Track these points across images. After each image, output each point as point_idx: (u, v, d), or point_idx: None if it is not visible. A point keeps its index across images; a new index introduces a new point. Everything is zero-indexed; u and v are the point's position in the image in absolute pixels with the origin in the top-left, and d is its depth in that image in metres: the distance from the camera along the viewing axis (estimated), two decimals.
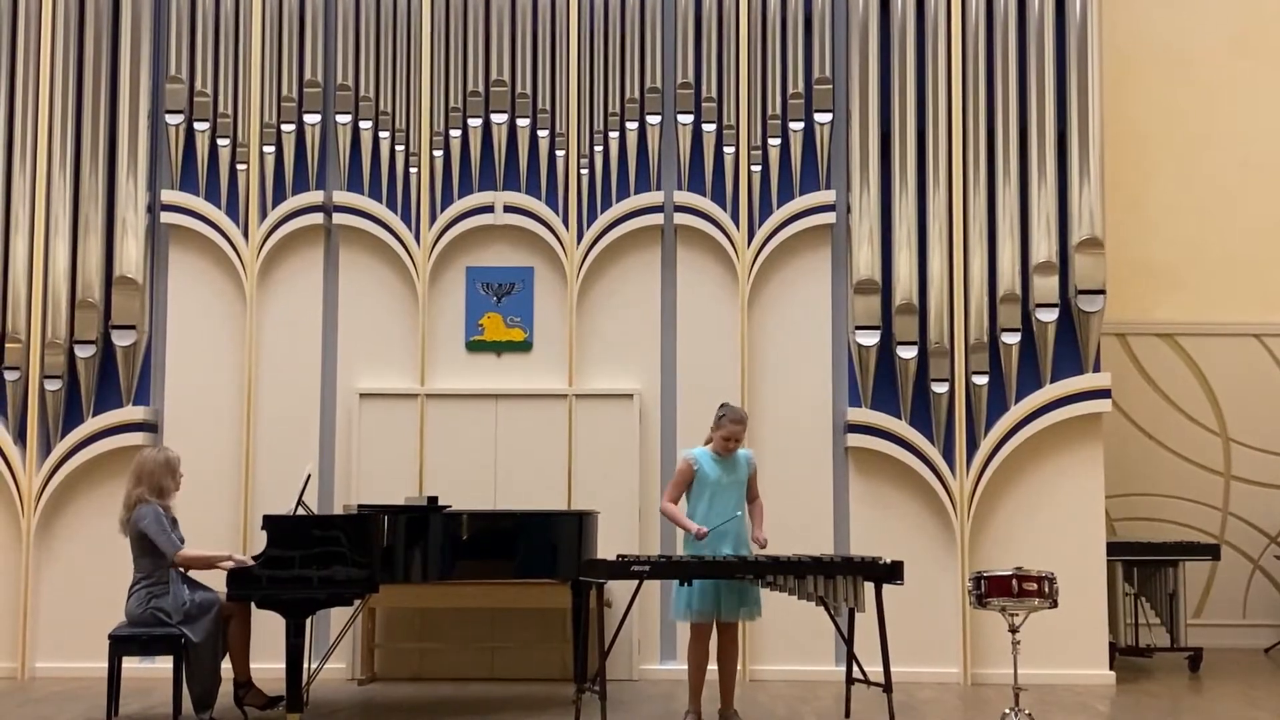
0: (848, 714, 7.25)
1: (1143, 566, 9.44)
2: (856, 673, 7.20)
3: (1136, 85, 10.73)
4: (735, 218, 8.94)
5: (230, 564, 6.93)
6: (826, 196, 8.94)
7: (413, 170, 9.01)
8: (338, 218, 9.01)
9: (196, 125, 9.02)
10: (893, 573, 6.86)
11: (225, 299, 9.04)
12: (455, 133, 9.00)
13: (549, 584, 8.19)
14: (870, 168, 8.86)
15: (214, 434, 8.88)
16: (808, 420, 8.89)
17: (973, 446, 8.74)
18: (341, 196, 9.00)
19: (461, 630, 8.76)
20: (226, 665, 7.18)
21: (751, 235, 8.94)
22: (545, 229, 8.99)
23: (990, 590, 6.62)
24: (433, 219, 9.00)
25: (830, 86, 8.96)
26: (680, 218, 8.97)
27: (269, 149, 9.00)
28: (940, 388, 8.73)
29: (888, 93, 8.94)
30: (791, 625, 8.18)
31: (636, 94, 9.00)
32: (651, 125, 8.98)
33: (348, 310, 9.05)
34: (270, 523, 6.93)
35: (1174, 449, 10.76)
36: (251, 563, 6.90)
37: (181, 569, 7.05)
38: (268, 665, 7.53)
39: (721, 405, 7.09)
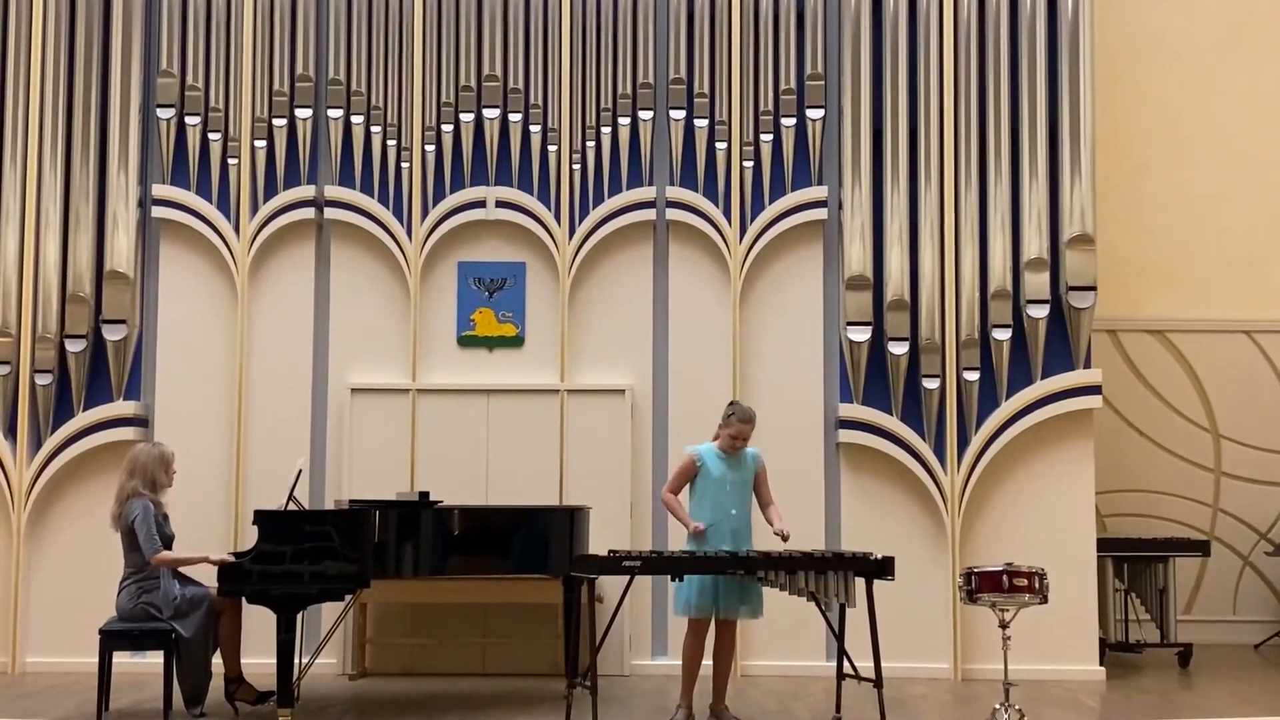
0: (839, 709, 7.25)
1: (1133, 562, 9.47)
2: (847, 668, 7.20)
3: (1128, 82, 10.74)
4: (727, 213, 8.95)
5: (207, 561, 6.95)
6: (818, 192, 8.94)
7: (404, 165, 9.00)
8: (329, 212, 9.00)
9: (188, 119, 9.00)
10: (884, 568, 6.86)
11: (216, 294, 9.02)
12: (447, 128, 8.99)
13: (540, 579, 8.18)
14: (862, 164, 8.87)
15: (205, 429, 8.87)
16: (799, 416, 8.89)
17: (964, 442, 8.75)
18: (333, 191, 8.99)
19: (453, 625, 8.75)
20: (217, 660, 7.18)
21: (743, 231, 8.94)
22: (537, 224, 8.99)
23: (981, 586, 6.63)
24: (425, 214, 8.99)
25: (822, 82, 8.96)
26: (672, 213, 8.97)
27: (260, 143, 8.99)
28: (931, 384, 8.74)
29: (880, 89, 8.94)
30: (783, 621, 8.18)
31: (629, 89, 8.99)
32: (644, 121, 8.98)
33: (339, 305, 9.04)
34: (261, 518, 6.94)
35: (1165, 445, 10.78)
36: (231, 559, 6.92)
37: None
38: (259, 660, 7.52)
39: (730, 403, 7.09)
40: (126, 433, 8.78)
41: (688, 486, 7.03)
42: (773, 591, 6.84)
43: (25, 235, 8.93)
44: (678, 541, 7.42)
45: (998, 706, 6.67)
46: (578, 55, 9.05)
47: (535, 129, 8.99)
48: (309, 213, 9.00)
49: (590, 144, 8.99)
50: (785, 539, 6.92)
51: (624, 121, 8.98)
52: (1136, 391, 10.78)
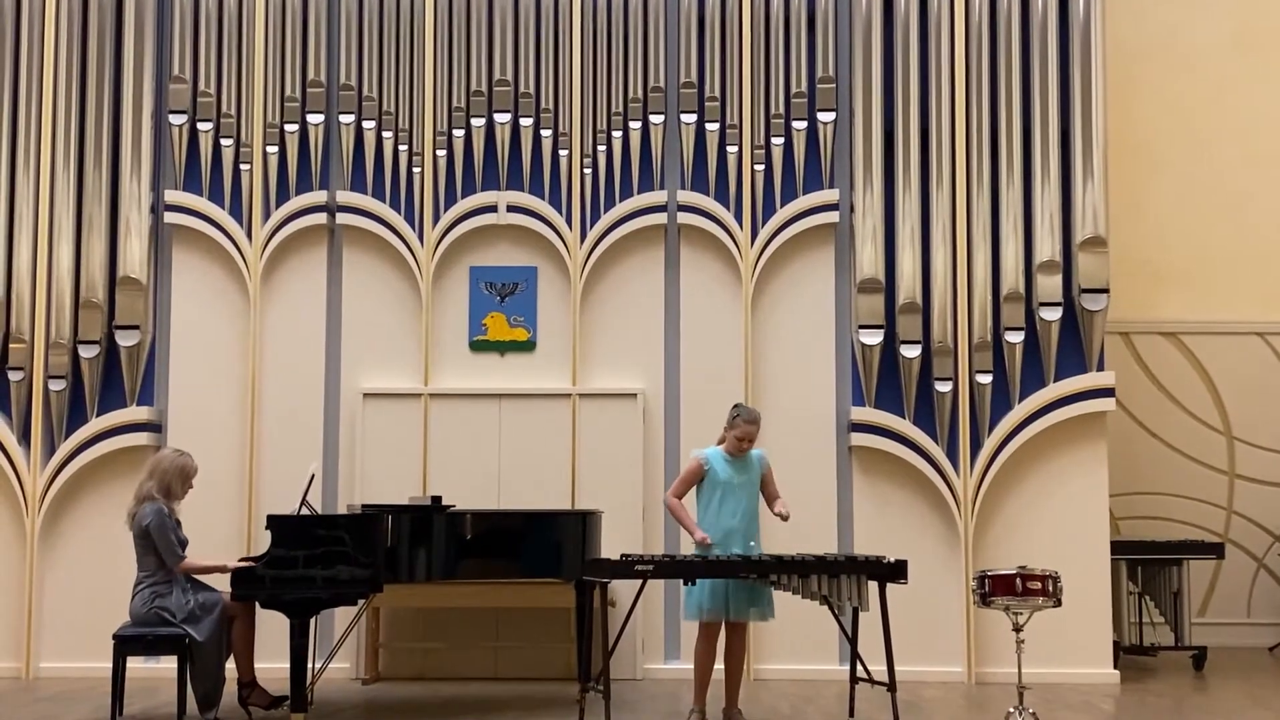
0: (852, 713, 7.25)
1: (1147, 565, 9.45)
2: (861, 672, 7.19)
3: (1140, 83, 10.72)
4: (739, 217, 8.94)
5: (225, 570, 6.96)
6: (830, 195, 8.94)
7: (416, 170, 9.01)
8: (341, 218, 9.01)
9: (200, 125, 9.03)
10: (897, 572, 6.86)
11: (229, 299, 9.05)
12: (458, 132, 9.00)
13: (553, 583, 8.19)
14: (874, 166, 8.86)
15: (218, 434, 8.88)
16: (811, 419, 8.89)
17: (976, 445, 8.74)
18: (345, 196, 9.00)
19: (465, 630, 8.76)
20: (231, 665, 7.19)
21: (755, 234, 8.94)
22: (548, 228, 8.99)
23: (994, 589, 6.62)
24: (436, 219, 9.01)
25: (833, 85, 8.96)
26: (684, 217, 8.97)
27: (272, 149, 9.01)
28: (944, 387, 8.73)
29: (891, 91, 8.94)
30: (796, 624, 8.18)
31: (640, 93, 9.00)
32: (655, 124, 8.98)
33: (351, 310, 9.06)
34: (274, 522, 6.94)
35: (1178, 447, 10.75)
36: (248, 564, 6.93)
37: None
38: (272, 665, 7.53)
39: (735, 406, 7.09)
40: (140, 438, 8.80)
41: (693, 490, 7.03)
42: (785, 595, 6.84)
43: (39, 241, 8.95)
44: (689, 545, 7.41)
45: (1011, 710, 6.65)
46: (588, 59, 9.06)
47: (546, 133, 9.00)
48: (321, 218, 9.01)
49: (601, 148, 8.99)
50: (785, 519, 6.92)
51: (635, 125, 8.98)
52: (1150, 394, 10.76)
